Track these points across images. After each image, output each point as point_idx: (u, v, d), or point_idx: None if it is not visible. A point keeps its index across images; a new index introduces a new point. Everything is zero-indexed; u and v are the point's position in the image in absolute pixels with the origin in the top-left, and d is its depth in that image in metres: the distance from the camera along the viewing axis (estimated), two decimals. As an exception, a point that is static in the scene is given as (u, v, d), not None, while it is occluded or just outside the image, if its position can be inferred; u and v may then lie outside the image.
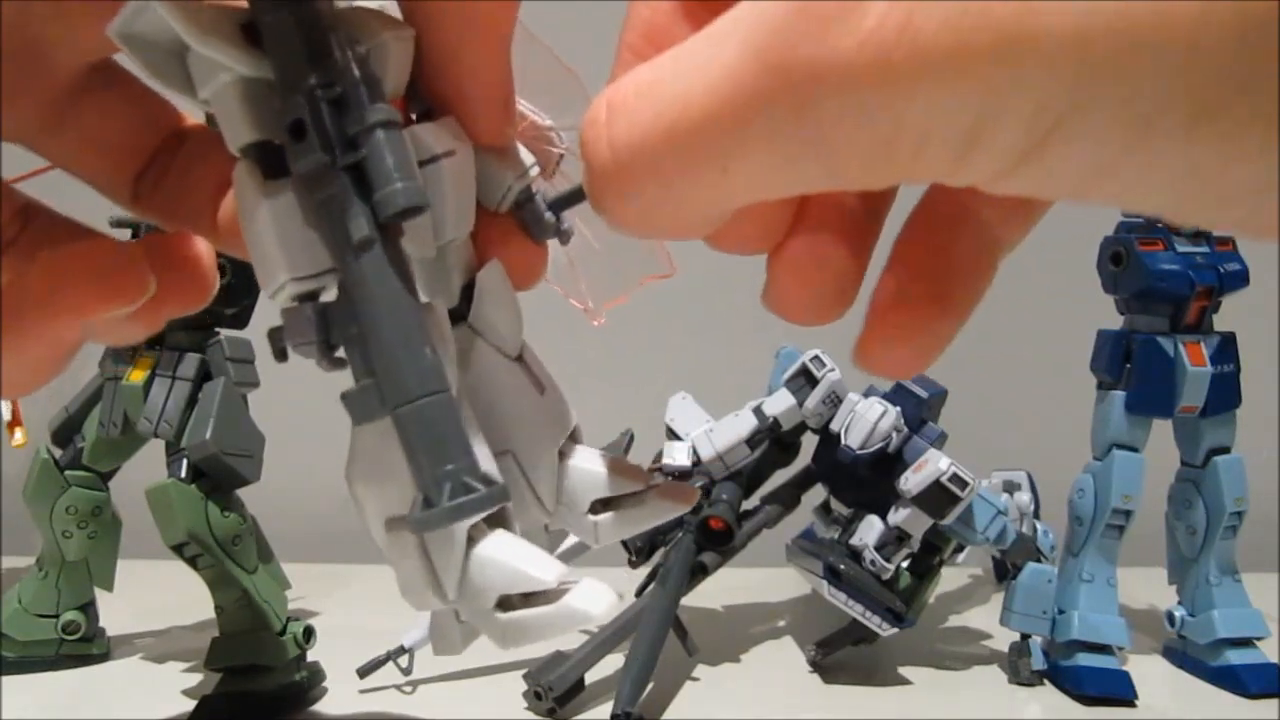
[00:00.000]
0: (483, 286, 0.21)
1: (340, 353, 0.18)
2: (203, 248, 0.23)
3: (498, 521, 0.19)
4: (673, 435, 0.56)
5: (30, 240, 0.22)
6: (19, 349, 0.20)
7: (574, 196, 0.22)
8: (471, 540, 0.18)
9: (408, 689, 0.51)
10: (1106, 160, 0.13)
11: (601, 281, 0.25)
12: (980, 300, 0.19)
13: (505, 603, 0.18)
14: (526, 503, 0.21)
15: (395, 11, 0.20)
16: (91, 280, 0.20)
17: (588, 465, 0.22)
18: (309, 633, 0.49)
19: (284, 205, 0.18)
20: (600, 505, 0.22)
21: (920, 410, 0.52)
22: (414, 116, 0.21)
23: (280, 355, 0.19)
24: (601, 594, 0.18)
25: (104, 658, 0.55)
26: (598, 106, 0.16)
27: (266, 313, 0.51)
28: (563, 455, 0.22)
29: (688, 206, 0.16)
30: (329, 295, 0.18)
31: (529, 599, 0.18)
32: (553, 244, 0.22)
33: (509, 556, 0.18)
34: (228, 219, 0.22)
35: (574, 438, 0.22)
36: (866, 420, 0.50)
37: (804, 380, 0.54)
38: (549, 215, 0.21)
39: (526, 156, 0.22)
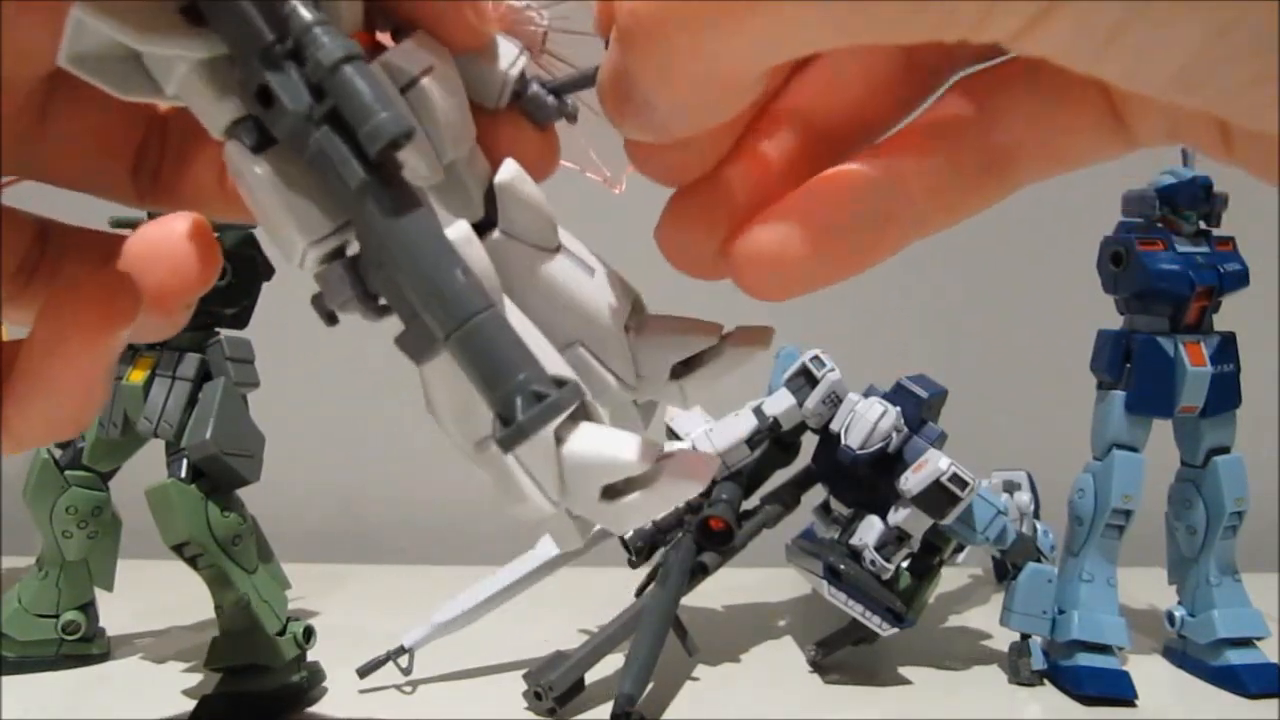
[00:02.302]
0: (503, 190, 0.20)
1: (383, 300, 0.18)
2: (192, 225, 0.22)
3: (582, 414, 0.19)
4: (673, 435, 0.56)
5: (51, 264, 0.22)
6: (54, 388, 0.20)
7: (577, 81, 0.21)
8: (560, 440, 0.18)
9: (408, 689, 0.51)
10: (1124, 12, 0.14)
11: (616, 152, 0.25)
12: (862, 268, 0.20)
13: (609, 491, 0.18)
14: (607, 385, 0.21)
15: None
16: (90, 314, 0.19)
17: (658, 333, 0.22)
18: (309, 633, 0.49)
19: (280, 174, 0.17)
20: (681, 367, 0.22)
21: (920, 410, 0.52)
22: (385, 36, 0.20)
23: (329, 319, 0.19)
24: (700, 463, 0.19)
25: (104, 658, 0.55)
26: None
27: (266, 313, 0.52)
28: (630, 329, 0.22)
29: (712, 62, 0.16)
30: (354, 248, 0.18)
31: (631, 482, 0.18)
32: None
33: (600, 448, 0.18)
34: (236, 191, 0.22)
35: (637, 309, 0.22)
36: (866, 420, 0.50)
37: (804, 380, 0.54)
38: (550, 98, 0.21)
39: (510, 45, 0.21)
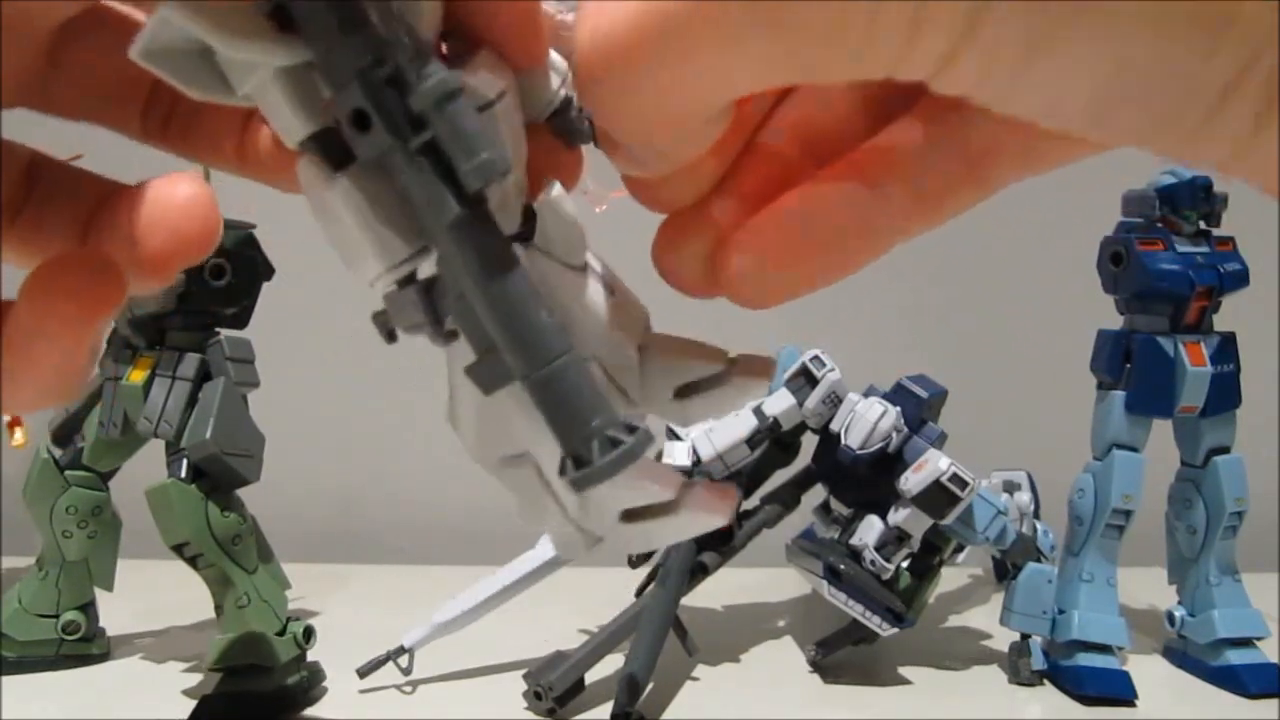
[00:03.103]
0: (546, 208, 0.21)
1: (449, 324, 0.18)
2: (196, 190, 0.22)
3: None
4: (673, 435, 0.56)
5: (37, 207, 0.22)
6: (39, 366, 0.20)
7: None
8: None
9: (408, 689, 0.51)
10: (1039, 37, 0.14)
11: (606, 173, 0.25)
12: (845, 274, 0.20)
13: (629, 514, 0.19)
14: (613, 400, 0.21)
15: None
16: (72, 305, 0.19)
17: (665, 354, 0.22)
18: (309, 633, 0.49)
19: (360, 194, 0.17)
20: (685, 389, 0.22)
21: (920, 410, 0.52)
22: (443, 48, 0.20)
23: (390, 338, 0.19)
24: (719, 498, 0.19)
25: (104, 658, 0.55)
26: (588, 4, 0.17)
27: (267, 312, 0.52)
28: (640, 348, 0.22)
29: (659, 102, 0.17)
30: (424, 271, 0.18)
31: (651, 508, 0.19)
32: None
33: (628, 473, 0.18)
34: (267, 149, 0.21)
35: (647, 327, 0.22)
36: (866, 420, 0.50)
37: (804, 380, 0.54)
38: (587, 122, 0.21)
39: (560, 62, 0.21)
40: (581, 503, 0.19)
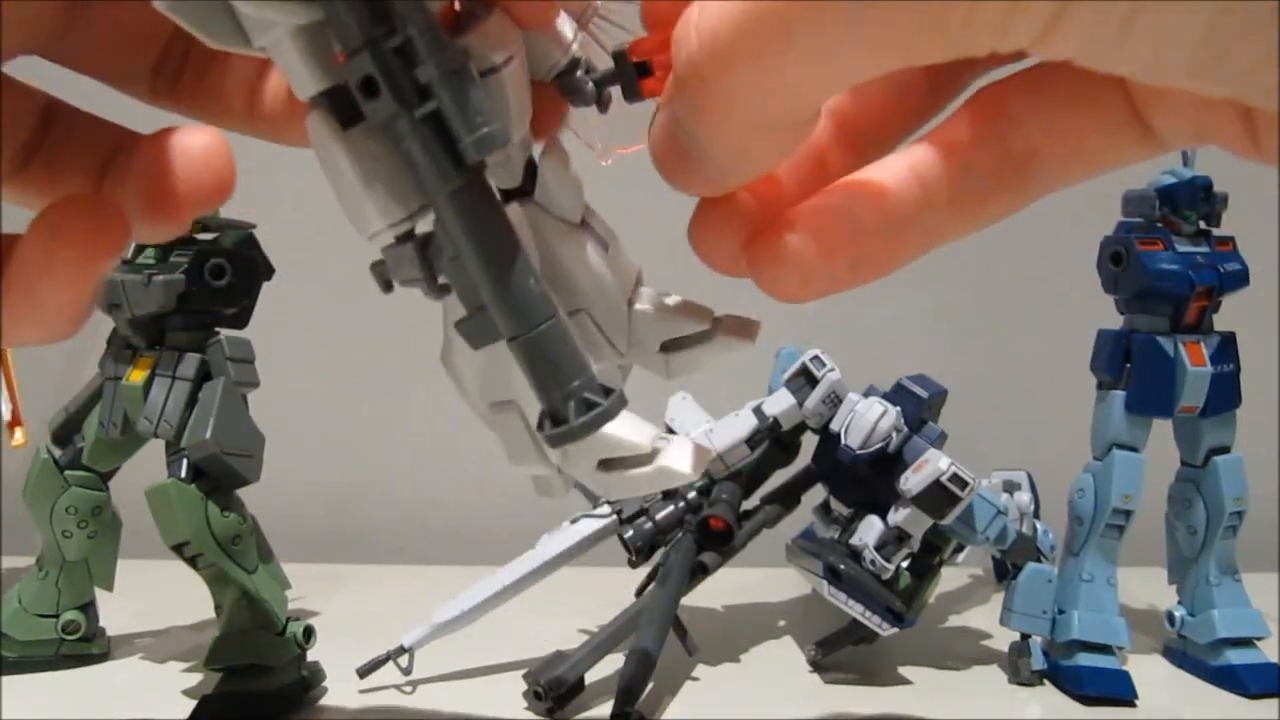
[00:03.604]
0: (548, 168, 0.22)
1: (443, 279, 0.19)
2: (212, 139, 0.22)
3: None
4: (672, 434, 0.56)
5: (51, 150, 0.22)
6: (41, 304, 0.20)
7: (614, 75, 0.21)
8: None
9: (408, 689, 0.51)
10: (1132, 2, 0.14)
11: (616, 129, 0.25)
12: (880, 274, 0.20)
13: (605, 463, 0.20)
14: (602, 351, 0.23)
15: None
16: (75, 250, 0.20)
17: (654, 309, 0.23)
18: (309, 633, 0.49)
19: (365, 152, 0.18)
20: (671, 344, 0.23)
21: (920, 410, 0.52)
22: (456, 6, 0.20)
23: (386, 287, 0.20)
24: (689, 451, 0.21)
25: (104, 658, 0.55)
26: (692, 6, 0.17)
27: (266, 313, 0.52)
28: (630, 302, 0.23)
29: (766, 101, 0.17)
30: (422, 227, 0.19)
31: (627, 459, 0.20)
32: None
33: (609, 426, 0.19)
34: (278, 106, 0.22)
35: (639, 283, 0.23)
36: (866, 420, 0.50)
37: (804, 380, 0.54)
38: (590, 85, 0.22)
39: (568, 25, 0.22)
40: (562, 452, 0.20)
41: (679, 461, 0.21)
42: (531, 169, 0.22)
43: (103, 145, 0.22)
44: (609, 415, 0.18)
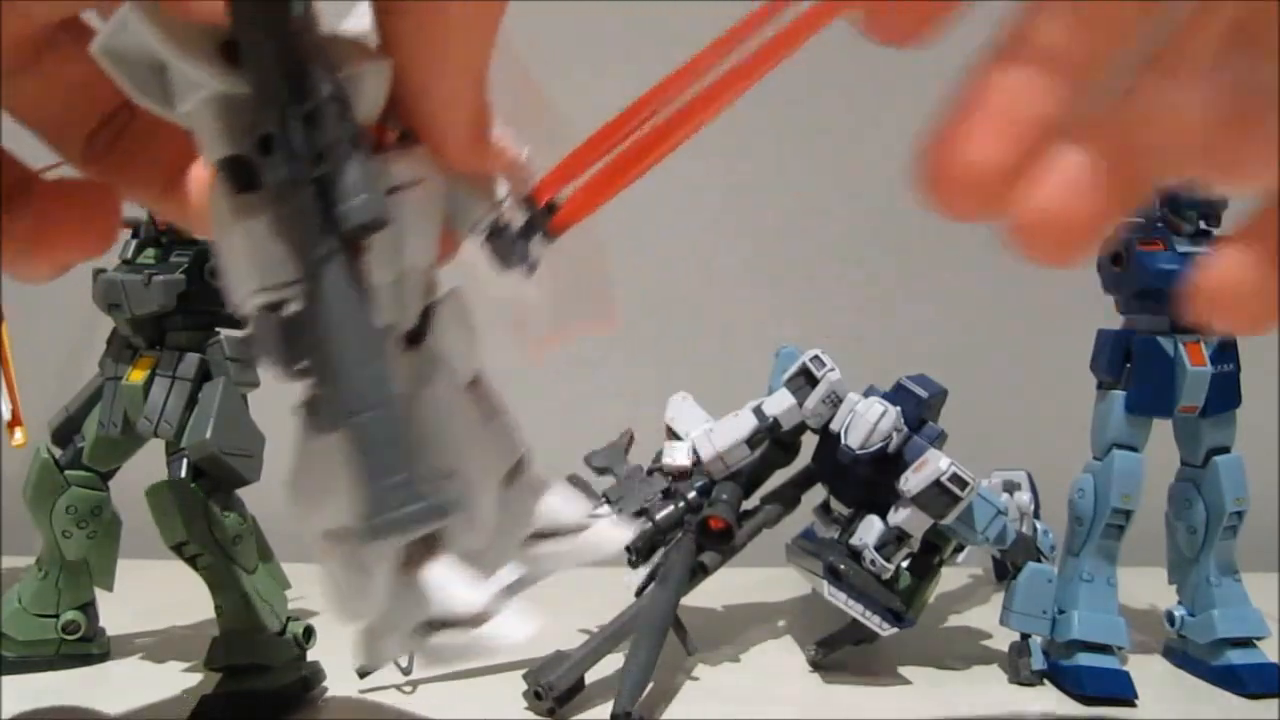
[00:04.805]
0: (443, 314, 0.21)
1: (299, 366, 0.19)
2: (115, 203, 0.23)
3: (434, 541, 0.19)
4: (673, 435, 0.56)
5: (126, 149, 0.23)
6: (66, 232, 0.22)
7: (531, 225, 0.22)
8: (406, 561, 0.19)
9: (408, 689, 0.51)
10: None
11: (541, 321, 0.25)
12: None
13: (431, 624, 0.19)
14: (465, 527, 0.21)
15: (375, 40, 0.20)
16: (74, 234, 0.21)
17: (529, 496, 0.22)
18: (309, 633, 0.49)
19: (255, 219, 0.18)
20: (537, 536, 0.23)
21: (920, 410, 0.52)
22: (393, 137, 0.21)
23: (251, 362, 0.20)
24: (522, 624, 0.20)
25: (104, 658, 0.55)
26: None
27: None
28: (506, 483, 0.22)
29: None
30: (291, 308, 0.19)
31: (453, 623, 0.19)
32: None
33: (438, 581, 0.19)
34: (191, 196, 0.22)
35: (520, 467, 0.22)
36: (866, 420, 0.50)
37: (804, 380, 0.54)
38: (517, 250, 0.22)
39: (501, 186, 0.22)
40: (390, 600, 0.19)
41: (506, 632, 0.20)
42: (427, 315, 0.21)
43: (6, 178, 0.23)
44: (425, 517, 0.17)
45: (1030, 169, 0.18)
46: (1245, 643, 0.53)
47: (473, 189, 0.21)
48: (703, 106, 0.20)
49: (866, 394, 0.53)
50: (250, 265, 0.18)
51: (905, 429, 0.51)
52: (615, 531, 0.21)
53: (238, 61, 0.18)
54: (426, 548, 0.19)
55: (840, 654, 0.54)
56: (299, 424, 0.19)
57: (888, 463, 0.51)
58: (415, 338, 0.21)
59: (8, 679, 0.51)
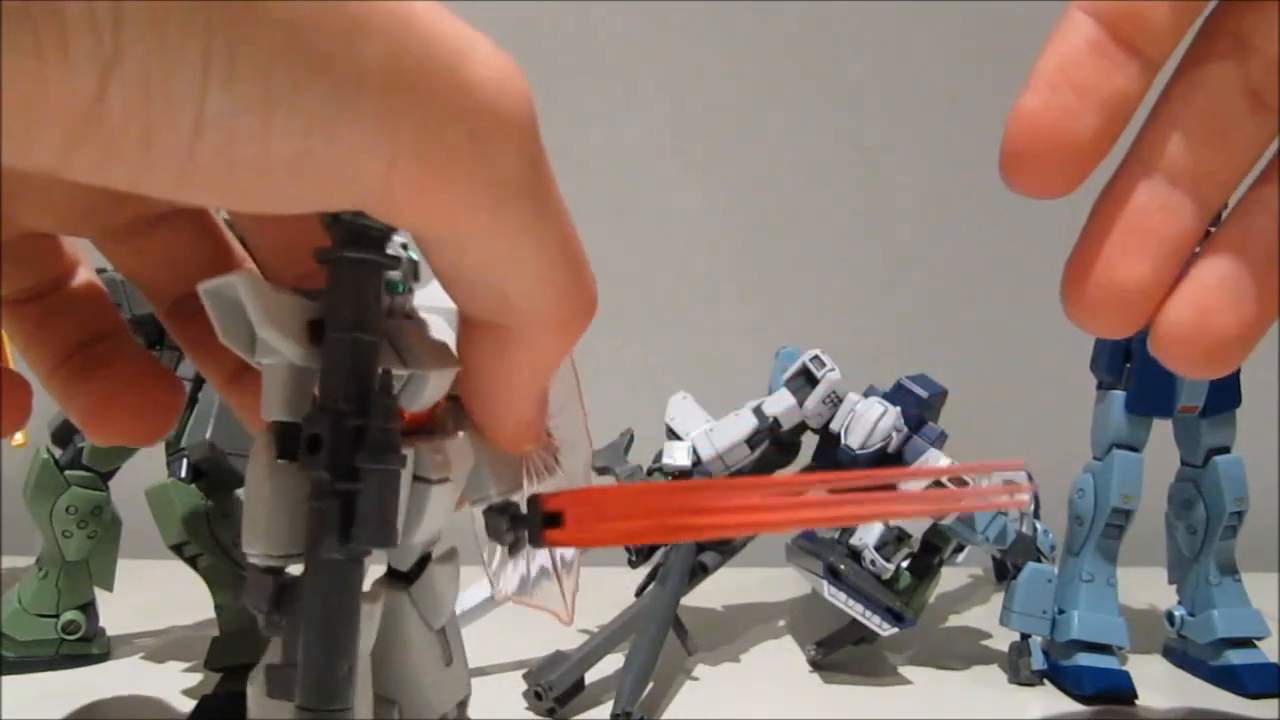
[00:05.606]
0: (436, 576, 0.23)
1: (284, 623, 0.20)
2: (174, 400, 0.25)
3: None
4: (673, 435, 0.56)
5: (53, 303, 0.26)
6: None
7: (524, 519, 0.22)
8: None
9: (408, 689, 0.50)
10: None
11: (510, 583, 0.28)
12: None
13: None
14: None
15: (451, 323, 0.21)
16: (127, 420, 0.24)
17: None
18: (309, 633, 0.49)
19: (285, 486, 0.19)
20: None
21: (920, 410, 0.52)
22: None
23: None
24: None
25: (104, 658, 0.55)
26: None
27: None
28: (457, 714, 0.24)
29: None
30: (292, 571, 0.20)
31: None
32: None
33: None
34: (253, 391, 0.23)
35: (463, 707, 0.25)
36: (866, 420, 0.50)
37: (804, 380, 0.54)
38: (509, 533, 0.22)
39: (522, 469, 0.23)
40: None
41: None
42: (424, 562, 0.23)
43: (95, 327, 0.25)
44: None
45: (1173, 282, 0.19)
46: (1245, 643, 0.53)
47: (498, 470, 0.23)
48: (742, 523, 0.20)
49: (866, 394, 0.53)
50: (267, 528, 0.19)
51: (905, 429, 0.51)
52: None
53: (320, 340, 0.19)
54: None
55: (840, 654, 0.54)
56: (254, 688, 0.20)
57: (888, 463, 0.51)
58: (406, 577, 0.23)
59: (8, 679, 0.51)
